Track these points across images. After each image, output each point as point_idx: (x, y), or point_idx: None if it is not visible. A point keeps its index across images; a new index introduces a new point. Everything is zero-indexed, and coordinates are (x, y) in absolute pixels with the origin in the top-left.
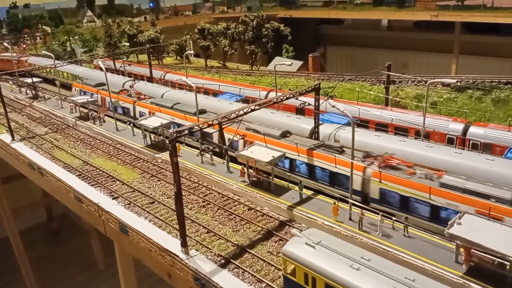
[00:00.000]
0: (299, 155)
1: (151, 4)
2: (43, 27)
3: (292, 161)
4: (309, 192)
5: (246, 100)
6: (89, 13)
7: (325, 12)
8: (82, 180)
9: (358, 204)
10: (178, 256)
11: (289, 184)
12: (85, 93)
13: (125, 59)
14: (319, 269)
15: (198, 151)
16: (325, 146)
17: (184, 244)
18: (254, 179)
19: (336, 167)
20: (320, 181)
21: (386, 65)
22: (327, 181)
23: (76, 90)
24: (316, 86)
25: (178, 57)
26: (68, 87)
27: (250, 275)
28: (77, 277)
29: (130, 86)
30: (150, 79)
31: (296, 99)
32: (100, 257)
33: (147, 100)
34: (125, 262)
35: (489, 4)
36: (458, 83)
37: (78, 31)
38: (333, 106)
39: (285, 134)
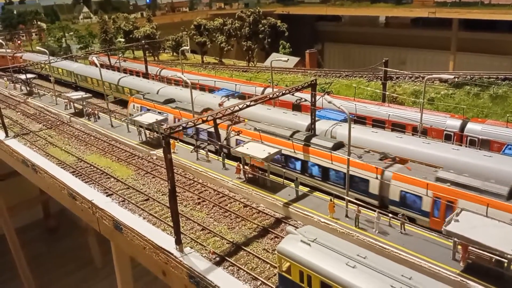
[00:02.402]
0: None
1: (147, 0)
2: (38, 23)
3: None
4: (305, 189)
5: (242, 97)
6: (85, 9)
7: (323, 9)
8: (76, 177)
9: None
10: (172, 254)
11: (284, 180)
12: (148, 110)
13: (120, 55)
14: (315, 267)
15: (192, 148)
16: None
17: (178, 242)
18: (249, 175)
19: None
20: None
21: (383, 61)
22: None
23: (134, 107)
24: (312, 82)
25: (175, 53)
26: (62, 83)
27: (245, 272)
28: (74, 275)
29: (220, 105)
30: (146, 75)
31: (292, 95)
32: (97, 254)
33: (245, 123)
34: (121, 260)
35: (486, 1)
36: (456, 79)
37: (74, 27)
38: (330, 102)
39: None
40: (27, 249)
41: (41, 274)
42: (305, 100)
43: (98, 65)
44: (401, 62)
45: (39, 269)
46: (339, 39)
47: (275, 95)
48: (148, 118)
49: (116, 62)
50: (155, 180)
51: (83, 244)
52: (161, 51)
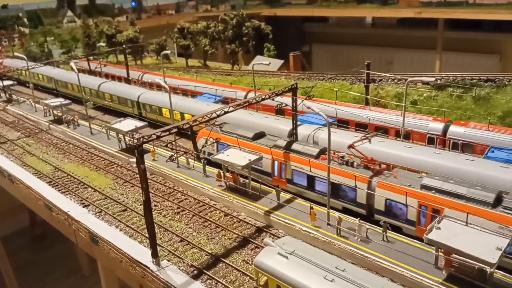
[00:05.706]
0: None
1: (133, 3)
2: (20, 28)
3: None
4: (287, 196)
5: (225, 101)
6: (70, 13)
7: (309, 10)
8: (53, 187)
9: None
10: (148, 268)
11: (261, 186)
12: (229, 147)
13: (101, 60)
14: (292, 281)
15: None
16: None
17: (155, 255)
18: (230, 183)
19: None
20: None
21: (366, 63)
22: None
23: (208, 142)
24: (293, 87)
25: (159, 57)
26: (43, 90)
27: (223, 286)
28: (61, 283)
29: (350, 147)
30: (128, 80)
31: (273, 100)
32: (84, 262)
33: (395, 172)
34: (107, 269)
35: (471, 0)
36: (438, 81)
37: (57, 32)
38: (309, 107)
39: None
40: (13, 258)
41: (28, 282)
42: (286, 105)
43: (76, 70)
44: (388, 62)
45: (26, 277)
46: (327, 40)
47: (255, 100)
48: (127, 125)
49: (96, 67)
50: (134, 189)
51: (70, 251)
52: (144, 55)
